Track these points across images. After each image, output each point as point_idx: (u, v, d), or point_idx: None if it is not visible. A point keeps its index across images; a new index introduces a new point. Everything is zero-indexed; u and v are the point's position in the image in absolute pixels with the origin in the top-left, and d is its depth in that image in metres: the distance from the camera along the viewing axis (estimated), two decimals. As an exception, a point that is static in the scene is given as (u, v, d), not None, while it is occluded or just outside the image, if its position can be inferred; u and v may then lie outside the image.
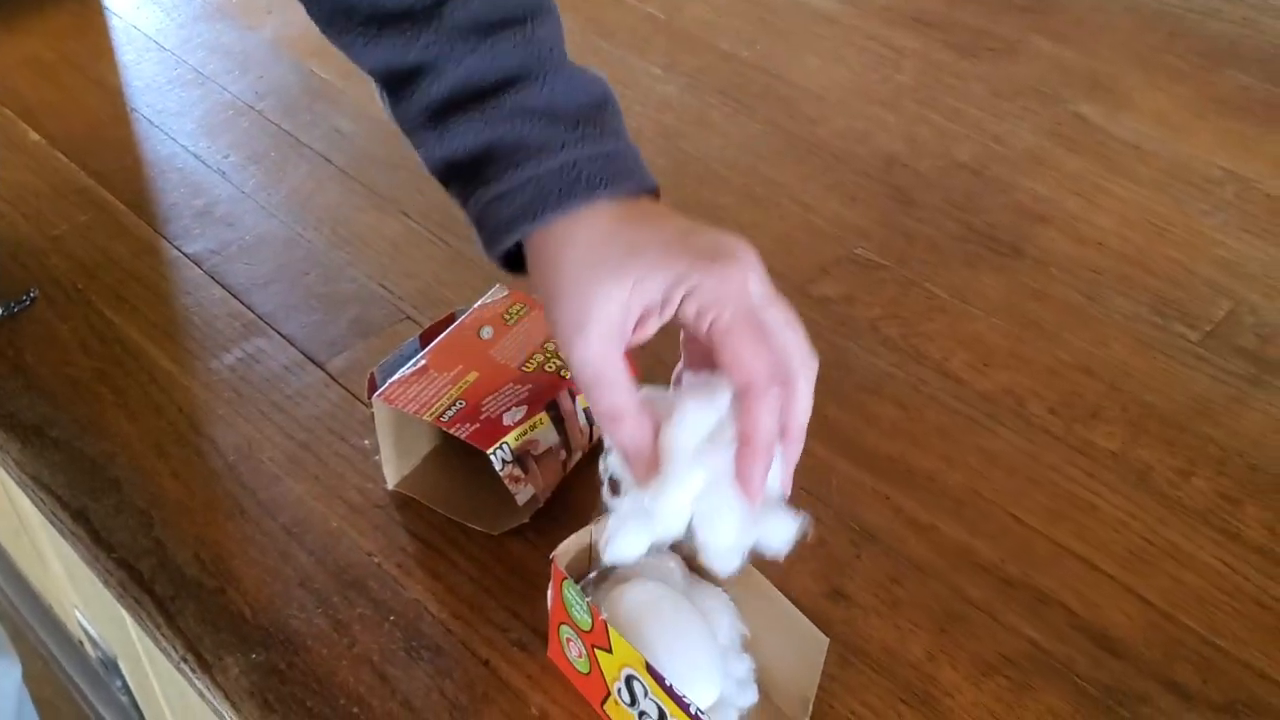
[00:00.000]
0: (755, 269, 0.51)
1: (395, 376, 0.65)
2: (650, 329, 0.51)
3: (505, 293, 0.71)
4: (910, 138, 0.96)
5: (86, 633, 1.14)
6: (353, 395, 0.74)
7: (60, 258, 0.84)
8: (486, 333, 0.68)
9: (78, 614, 1.13)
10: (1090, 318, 0.81)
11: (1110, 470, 0.71)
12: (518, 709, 0.59)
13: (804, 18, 1.12)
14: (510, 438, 0.63)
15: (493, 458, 0.62)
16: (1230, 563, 0.67)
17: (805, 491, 0.69)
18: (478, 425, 0.63)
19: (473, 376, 0.65)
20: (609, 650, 0.55)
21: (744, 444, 0.51)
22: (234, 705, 0.59)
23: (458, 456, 0.68)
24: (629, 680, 0.54)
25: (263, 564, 0.65)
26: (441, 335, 0.68)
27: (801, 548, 0.66)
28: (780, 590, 0.63)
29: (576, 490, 0.68)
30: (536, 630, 0.62)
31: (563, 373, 0.66)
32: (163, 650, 0.62)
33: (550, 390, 0.65)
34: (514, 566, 0.65)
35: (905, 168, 0.93)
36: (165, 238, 0.86)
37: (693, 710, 0.51)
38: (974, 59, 1.06)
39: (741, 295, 0.50)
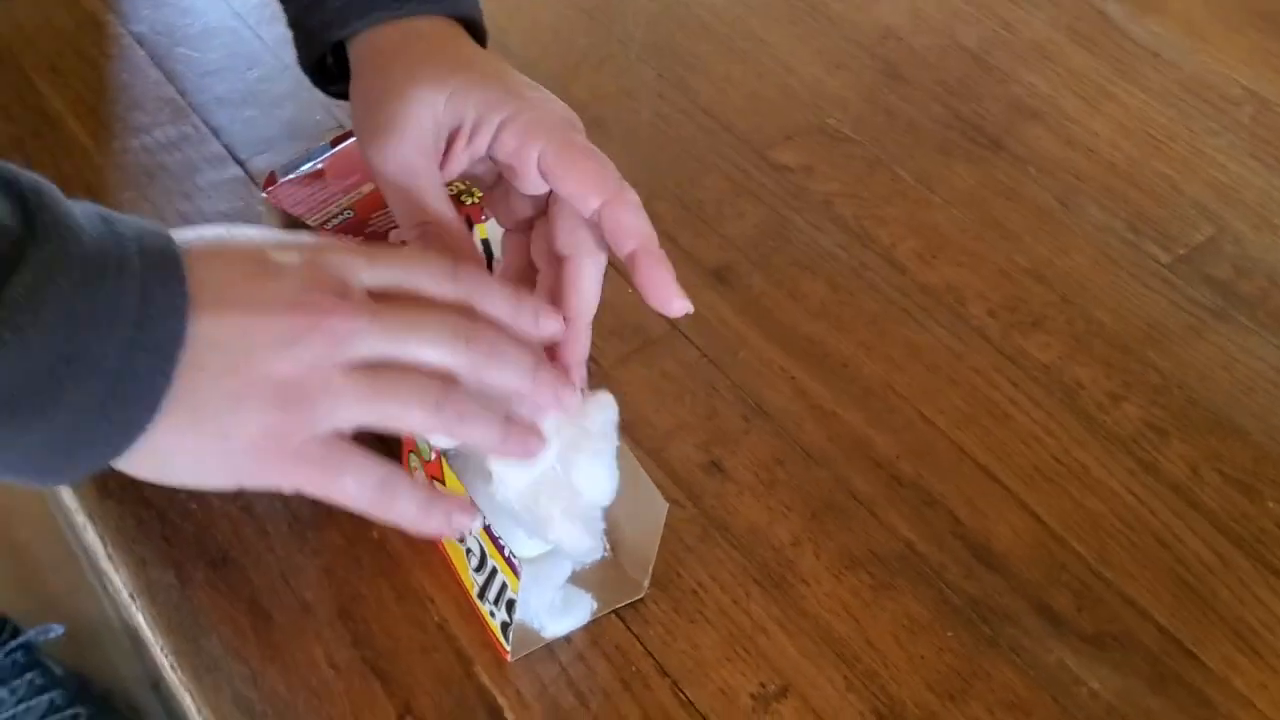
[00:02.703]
0: (570, 111, 0.50)
1: (289, 176, 0.62)
2: (457, 160, 0.49)
3: (425, 108, 0.67)
4: (915, 12, 0.90)
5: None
6: (265, 197, 0.71)
7: (1, 21, 0.81)
8: (394, 146, 0.65)
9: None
10: (1059, 224, 0.76)
11: (1037, 382, 0.67)
12: (359, 530, 0.57)
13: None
14: (394, 256, 0.60)
15: (371, 273, 0.59)
16: (1140, 495, 0.63)
17: (705, 358, 0.66)
18: (360, 239, 0.60)
19: (367, 188, 0.62)
20: (443, 483, 0.52)
21: (640, 253, 0.49)
22: (74, 490, 0.58)
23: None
24: None
25: (135, 352, 0.63)
26: (346, 142, 0.65)
27: (689, 414, 0.64)
28: (657, 454, 0.60)
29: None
30: (393, 456, 0.60)
31: (463, 199, 0.62)
32: None
33: (447, 213, 0.62)
34: (389, 391, 0.63)
35: (901, 42, 0.87)
36: (114, 13, 0.83)
37: (506, 552, 0.49)
38: (1008, -61, 0.99)
39: (564, 125, 0.48)
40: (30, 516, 1.40)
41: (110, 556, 0.56)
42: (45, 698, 1.14)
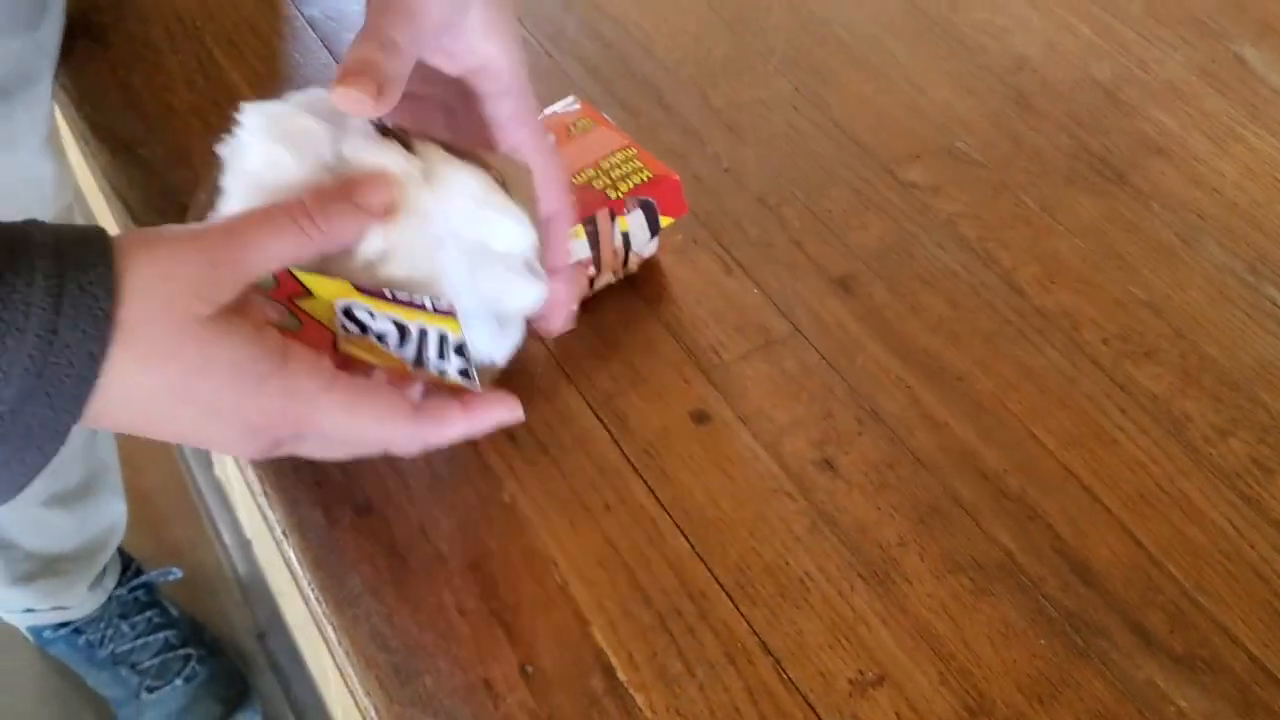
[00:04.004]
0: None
1: (450, 160, 0.67)
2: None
3: (578, 105, 0.71)
4: (1050, 44, 0.92)
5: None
6: (420, 178, 0.76)
7: (188, -5, 0.88)
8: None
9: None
10: (1178, 260, 0.77)
11: (1146, 412, 0.69)
12: (492, 492, 0.61)
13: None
14: (542, 240, 0.63)
15: (520, 255, 0.63)
16: (1241, 528, 0.64)
17: (825, 361, 0.69)
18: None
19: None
20: (309, 295, 0.49)
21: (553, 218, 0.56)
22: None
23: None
24: (347, 312, 0.50)
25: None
26: (504, 131, 0.69)
27: (805, 413, 0.67)
28: (772, 447, 0.63)
29: (597, 313, 0.69)
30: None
31: (609, 193, 0.66)
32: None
33: (592, 207, 0.65)
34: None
35: (1035, 73, 0.89)
36: (289, -4, 0.89)
37: (430, 306, 0.47)
38: (1147, -22, 1.00)
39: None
40: (156, 467, 1.48)
41: (266, 494, 0.60)
42: (161, 636, 1.21)
